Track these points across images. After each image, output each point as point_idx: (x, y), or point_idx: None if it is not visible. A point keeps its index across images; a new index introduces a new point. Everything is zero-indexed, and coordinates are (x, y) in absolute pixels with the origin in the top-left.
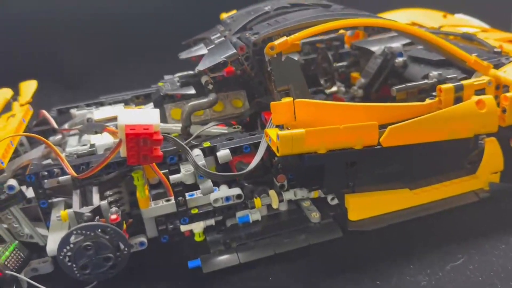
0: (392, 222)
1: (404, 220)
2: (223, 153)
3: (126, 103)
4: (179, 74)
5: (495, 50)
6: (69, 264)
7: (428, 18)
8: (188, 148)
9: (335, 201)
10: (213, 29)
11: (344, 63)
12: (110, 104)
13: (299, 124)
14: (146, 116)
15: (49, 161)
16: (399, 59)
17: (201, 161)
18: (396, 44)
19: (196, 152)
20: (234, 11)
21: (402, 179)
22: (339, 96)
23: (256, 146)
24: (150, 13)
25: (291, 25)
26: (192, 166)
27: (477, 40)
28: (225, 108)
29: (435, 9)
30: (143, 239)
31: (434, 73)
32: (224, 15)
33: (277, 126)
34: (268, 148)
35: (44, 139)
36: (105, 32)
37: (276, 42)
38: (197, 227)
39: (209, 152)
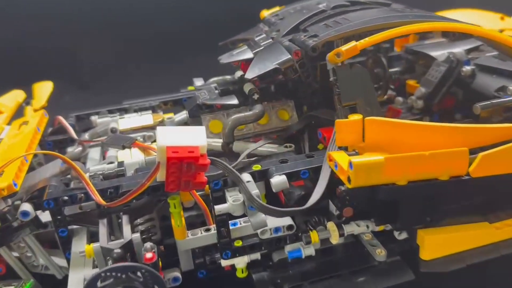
0: (471, 262)
1: (484, 260)
2: (279, 180)
3: (154, 110)
4: (215, 79)
5: None
6: None
7: (485, 20)
8: (239, 175)
9: (403, 236)
10: (255, 29)
11: (398, 69)
12: (135, 111)
13: (367, 147)
14: (191, 135)
15: (67, 177)
16: (467, 68)
17: (254, 190)
18: (459, 50)
19: (246, 177)
20: (277, 8)
21: (481, 211)
22: (395, 108)
23: (315, 171)
24: (173, 12)
25: (358, 28)
26: (244, 196)
27: None
28: (270, 121)
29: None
30: (177, 274)
31: None
32: (265, 13)
33: (340, 148)
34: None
35: (68, 160)
36: (124, 31)
37: (343, 48)
38: (241, 261)
39: (259, 177)
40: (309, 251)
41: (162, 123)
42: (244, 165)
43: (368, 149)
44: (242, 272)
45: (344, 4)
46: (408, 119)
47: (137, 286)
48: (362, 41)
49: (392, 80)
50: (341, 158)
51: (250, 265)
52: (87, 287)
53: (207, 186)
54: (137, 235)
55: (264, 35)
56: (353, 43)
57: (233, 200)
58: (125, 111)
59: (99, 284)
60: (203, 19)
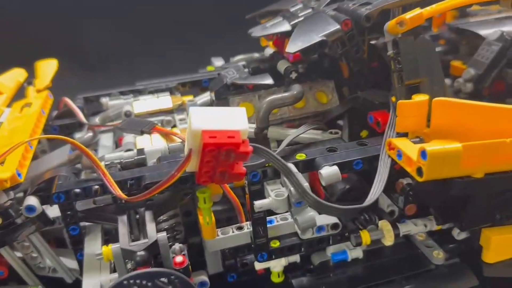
0: None
1: None
2: (331, 171)
3: (171, 92)
4: (240, 56)
5: None
6: None
7: None
8: (288, 165)
9: (463, 235)
10: (288, 0)
11: (440, 49)
12: (151, 92)
13: (433, 133)
14: (230, 118)
15: (77, 166)
16: None
17: (305, 183)
18: (510, 28)
19: (291, 168)
20: None
21: None
22: None
23: (369, 161)
24: None
25: None
26: (291, 190)
27: None
28: (307, 104)
29: None
30: (204, 277)
31: None
32: None
33: (399, 134)
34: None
35: (80, 145)
36: (132, 9)
37: (407, 15)
38: (277, 264)
39: (304, 168)
40: (356, 253)
41: (182, 106)
42: (286, 153)
43: (434, 135)
44: (278, 277)
45: None
46: None
47: None
48: (428, 8)
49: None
50: (407, 146)
51: (287, 269)
52: None
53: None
54: (163, 234)
55: (301, 5)
56: (418, 10)
57: (275, 194)
58: (139, 92)
59: None
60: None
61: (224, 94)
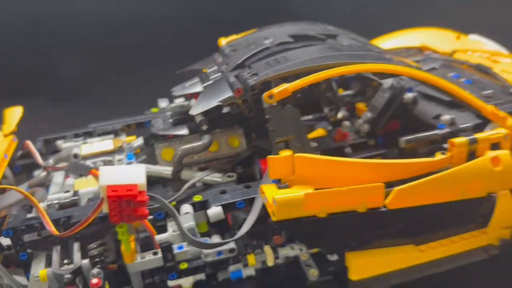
0: (397, 282)
1: (409, 280)
2: (215, 212)
3: (117, 133)
4: (173, 105)
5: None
6: None
7: (440, 40)
8: (175, 211)
9: (334, 257)
10: (210, 59)
11: (350, 92)
12: (99, 135)
13: (297, 179)
14: (131, 174)
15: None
16: (409, 95)
17: (189, 223)
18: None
19: (186, 208)
20: (233, 36)
21: (407, 236)
22: (343, 131)
23: (251, 201)
24: (149, 25)
25: (293, 69)
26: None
27: (493, 75)
28: (220, 148)
29: (449, 28)
30: None
31: (446, 116)
32: (222, 41)
33: (274, 181)
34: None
35: (23, 192)
36: (103, 43)
37: (275, 90)
38: (186, 282)
39: (200, 207)
40: (249, 271)
41: (121, 148)
42: (188, 195)
43: (298, 182)
44: None
45: (287, 41)
46: (355, 141)
47: None
48: (293, 83)
49: (343, 103)
50: (269, 193)
51: (197, 285)
52: None
53: None
54: (87, 261)
55: (215, 68)
56: (284, 86)
57: (173, 230)
58: (90, 135)
59: None
60: (178, 38)
61: (151, 141)
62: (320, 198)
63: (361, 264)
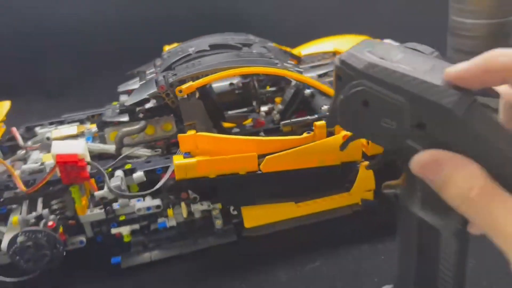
0: (280, 228)
1: (289, 228)
2: (138, 175)
3: (82, 122)
4: (123, 99)
5: None
6: (17, 258)
7: (352, 45)
8: (104, 172)
9: (235, 212)
10: (151, 63)
11: (273, 89)
12: (68, 123)
13: (201, 152)
14: (74, 146)
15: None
16: (307, 91)
17: (116, 183)
18: (311, 74)
19: (118, 173)
20: (175, 44)
21: (288, 195)
22: (260, 120)
23: (167, 168)
24: (131, 25)
25: (201, 71)
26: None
27: None
28: (156, 132)
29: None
30: (82, 238)
31: (325, 107)
32: (166, 48)
33: (185, 153)
34: None
35: (3, 162)
36: (86, 47)
37: (184, 86)
38: (125, 230)
39: (130, 173)
40: (172, 222)
41: (83, 132)
42: (122, 164)
43: (200, 153)
44: (128, 237)
45: (205, 49)
46: (268, 127)
47: (41, 242)
48: (197, 81)
49: (266, 97)
50: (175, 160)
51: (134, 233)
52: (10, 241)
53: None
54: (46, 210)
55: (153, 69)
56: (190, 83)
57: (106, 188)
58: (61, 123)
59: (18, 239)
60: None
61: (102, 127)
62: (209, 163)
63: (253, 215)
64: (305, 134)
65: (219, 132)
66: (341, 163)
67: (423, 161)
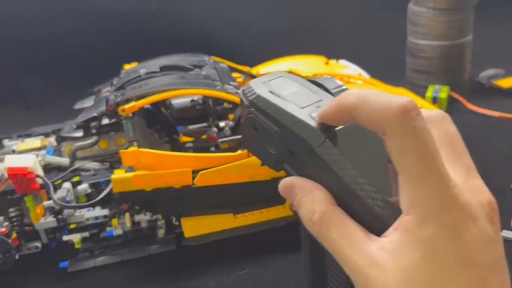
0: (217, 238)
1: (227, 237)
2: (82, 187)
3: (47, 135)
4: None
5: None
6: None
7: (308, 65)
8: (50, 184)
9: (177, 222)
10: (109, 82)
11: (230, 106)
12: (35, 136)
13: (142, 166)
14: (24, 160)
15: None
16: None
17: (61, 194)
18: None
19: (65, 185)
20: (135, 64)
21: (225, 208)
22: (213, 135)
23: (108, 182)
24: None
25: (145, 92)
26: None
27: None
28: (109, 146)
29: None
30: (37, 244)
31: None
32: (126, 67)
33: (128, 168)
34: None
35: None
36: (62, 64)
37: (126, 106)
38: (75, 238)
39: (77, 184)
40: (118, 231)
41: (45, 146)
42: (70, 176)
43: (142, 168)
44: (79, 244)
45: (155, 71)
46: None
47: None
48: (139, 101)
49: (219, 114)
50: (114, 174)
51: (84, 240)
52: None
53: None
54: (1, 218)
55: (108, 88)
56: (133, 103)
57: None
58: (29, 135)
59: None
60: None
61: (60, 141)
62: (145, 178)
63: (192, 226)
64: (239, 151)
65: (172, 146)
66: (271, 178)
67: (283, 185)
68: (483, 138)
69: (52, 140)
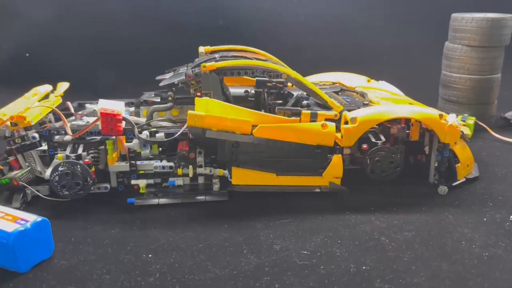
0: (258, 190)
1: (267, 191)
2: (160, 135)
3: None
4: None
5: (364, 102)
6: (55, 183)
7: (351, 80)
8: (134, 124)
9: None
10: (184, 64)
11: (280, 101)
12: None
13: (211, 113)
14: (115, 105)
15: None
16: (305, 102)
17: (142, 135)
18: None
19: (145, 132)
20: (207, 47)
21: (271, 167)
22: None
23: (183, 134)
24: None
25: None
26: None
27: (363, 96)
28: (180, 114)
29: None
30: (107, 185)
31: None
32: (200, 49)
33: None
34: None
35: (57, 110)
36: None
37: (207, 63)
38: (141, 183)
39: (153, 134)
40: (180, 181)
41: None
42: (148, 129)
43: (212, 112)
44: (143, 190)
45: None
46: None
47: (77, 172)
48: (218, 63)
49: (270, 108)
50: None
51: (149, 187)
52: (53, 169)
53: None
54: (85, 152)
55: (185, 67)
56: (213, 63)
57: (135, 141)
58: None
59: (59, 168)
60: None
61: (139, 105)
62: (214, 119)
63: (240, 175)
64: (293, 118)
65: None
66: (316, 144)
67: None
68: (505, 157)
69: (128, 107)
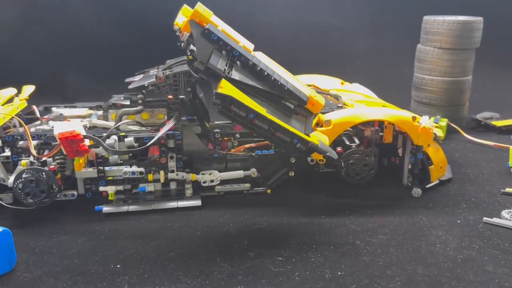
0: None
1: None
2: (128, 140)
3: (91, 108)
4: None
5: (338, 105)
6: (19, 191)
7: (326, 83)
8: (98, 139)
9: (206, 184)
10: (155, 67)
11: None
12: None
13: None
14: (71, 125)
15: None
16: None
17: (109, 142)
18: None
19: (114, 137)
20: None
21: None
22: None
23: (152, 138)
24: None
25: None
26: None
27: (337, 98)
28: (150, 118)
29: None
30: (74, 192)
31: None
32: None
33: None
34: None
35: (20, 120)
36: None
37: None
38: (110, 189)
39: (121, 139)
40: (151, 187)
41: (90, 114)
42: (116, 133)
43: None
44: (112, 196)
45: None
46: None
47: (42, 179)
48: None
49: None
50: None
51: (118, 193)
52: (17, 176)
53: None
54: (50, 159)
55: (155, 69)
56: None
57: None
58: (74, 107)
59: (23, 176)
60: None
61: (107, 109)
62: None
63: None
64: None
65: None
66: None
67: None
68: (477, 159)
69: (96, 111)
